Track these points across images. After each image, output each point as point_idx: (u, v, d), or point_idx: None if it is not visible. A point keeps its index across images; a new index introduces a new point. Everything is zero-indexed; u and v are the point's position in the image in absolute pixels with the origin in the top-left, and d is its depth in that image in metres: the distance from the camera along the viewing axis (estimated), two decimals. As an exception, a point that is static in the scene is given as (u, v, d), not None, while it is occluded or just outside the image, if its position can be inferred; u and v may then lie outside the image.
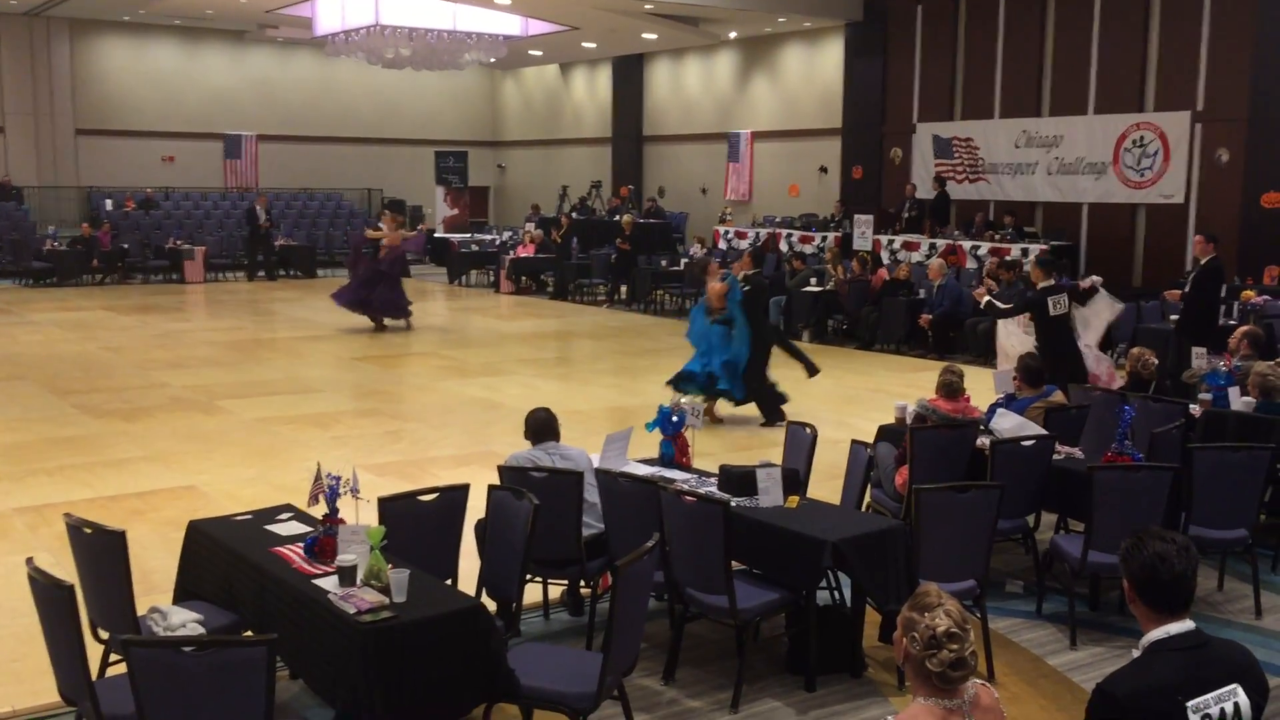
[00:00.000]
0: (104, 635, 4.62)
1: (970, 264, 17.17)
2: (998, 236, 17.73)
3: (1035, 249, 17.31)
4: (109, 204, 25.45)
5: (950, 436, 6.55)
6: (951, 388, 6.91)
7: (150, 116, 27.23)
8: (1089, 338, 10.25)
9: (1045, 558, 6.27)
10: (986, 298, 10.57)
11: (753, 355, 10.43)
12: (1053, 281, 9.99)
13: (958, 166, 19.97)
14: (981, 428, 6.79)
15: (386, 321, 16.59)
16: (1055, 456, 6.44)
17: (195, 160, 27.86)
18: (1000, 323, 10.73)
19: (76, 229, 23.38)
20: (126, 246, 23.01)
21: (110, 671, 4.53)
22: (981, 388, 8.33)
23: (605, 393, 12.29)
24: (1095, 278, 10.90)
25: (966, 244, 17.79)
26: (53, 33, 25.82)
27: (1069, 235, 18.30)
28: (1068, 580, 5.87)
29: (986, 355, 14.14)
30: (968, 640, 2.69)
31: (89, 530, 4.55)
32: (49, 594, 3.94)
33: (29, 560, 4.10)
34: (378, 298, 16.31)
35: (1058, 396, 7.43)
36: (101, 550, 4.53)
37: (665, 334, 16.74)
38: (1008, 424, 6.66)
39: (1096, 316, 10.28)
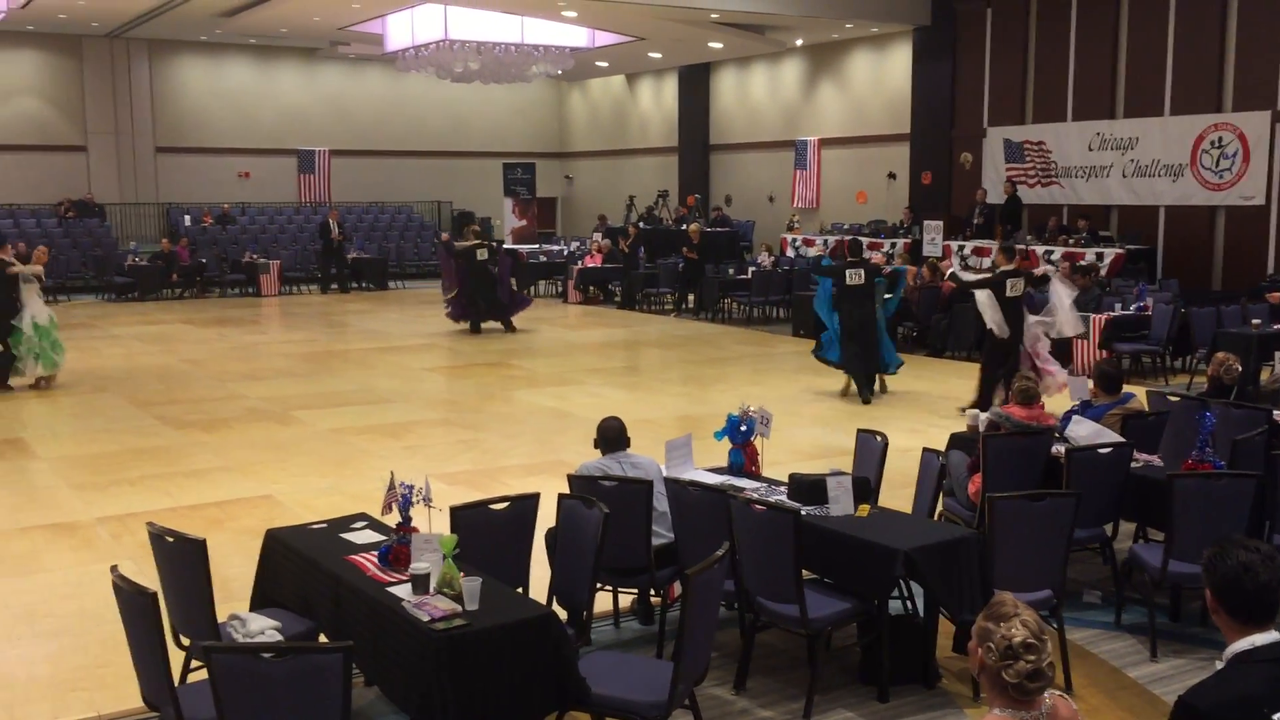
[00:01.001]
0: (185, 642, 4.72)
1: (1044, 269, 16.90)
2: (1071, 241, 17.45)
3: (1111, 253, 17.04)
4: (187, 220, 26.05)
5: (1025, 444, 6.45)
6: (1027, 394, 6.81)
7: (226, 134, 27.82)
8: (1060, 321, 11.01)
9: (1124, 567, 6.16)
10: (952, 269, 11.14)
11: (841, 335, 11.88)
12: (1013, 266, 10.91)
13: (1029, 170, 19.70)
14: (1056, 435, 6.68)
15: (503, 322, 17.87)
16: (1133, 464, 6.32)
17: (270, 176, 28.41)
18: (982, 299, 10.99)
19: (156, 244, 23.97)
20: (204, 261, 23.52)
21: (191, 677, 4.63)
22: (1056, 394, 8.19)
23: (674, 401, 12.30)
24: (1048, 266, 11.83)
25: (1039, 249, 17.53)
26: (133, 54, 26.50)
27: (1145, 239, 17.96)
28: (1148, 590, 5.75)
29: (1060, 361, 13.91)
30: (1045, 651, 2.65)
31: (171, 539, 4.65)
32: (132, 601, 4.03)
33: (113, 568, 4.20)
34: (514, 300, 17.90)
35: (1135, 403, 7.29)
36: (183, 558, 4.62)
37: (733, 342, 16.71)
38: (1084, 431, 6.55)
39: (1058, 299, 11.03)
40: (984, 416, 6.88)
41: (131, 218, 26.47)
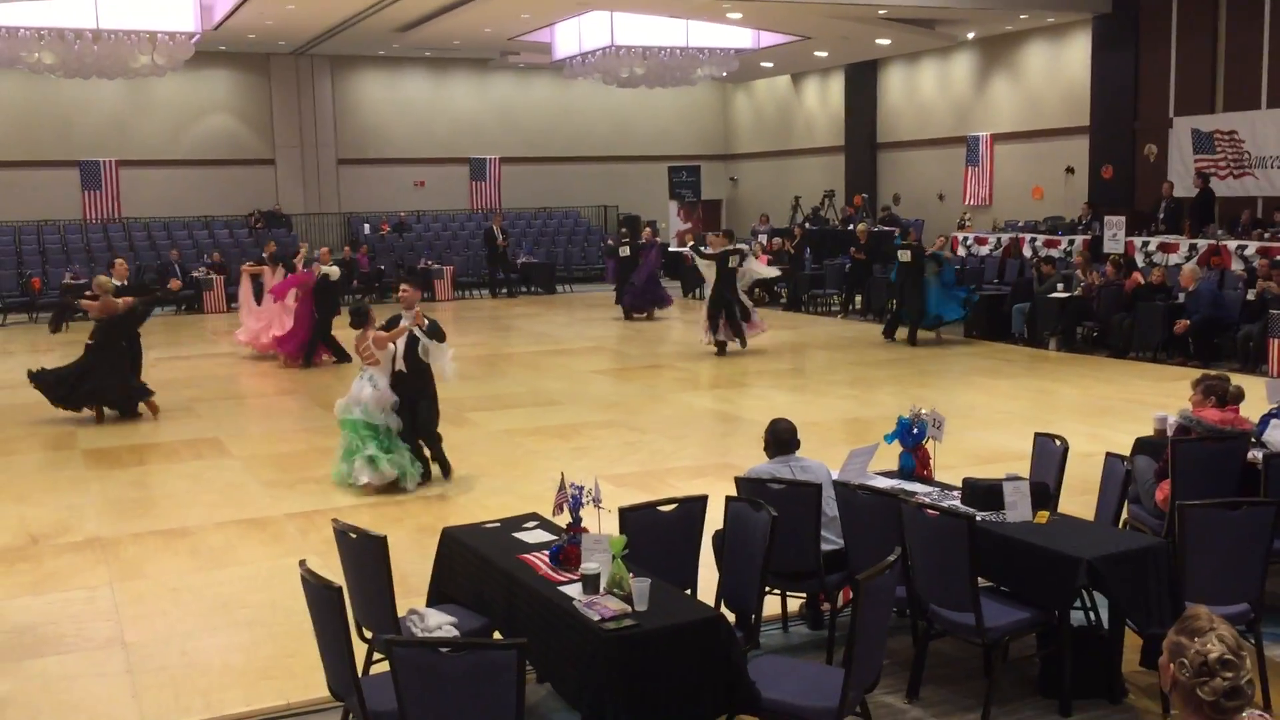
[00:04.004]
0: (368, 635, 4.89)
1: (1236, 265, 16.01)
2: (1267, 235, 16.47)
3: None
4: (366, 228, 27.09)
5: (1217, 450, 6.12)
6: (1223, 394, 6.44)
7: (403, 144, 28.79)
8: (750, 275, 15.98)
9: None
10: (692, 244, 17.12)
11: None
12: (732, 246, 15.65)
13: (1220, 161, 18.68)
14: (1253, 440, 6.32)
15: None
16: (1340, 472, 5.92)
17: (443, 184, 29.26)
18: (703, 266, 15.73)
19: (339, 252, 24.98)
20: (383, 267, 24.40)
21: (373, 670, 4.80)
22: (1252, 398, 7.74)
23: (841, 404, 12.13)
24: (743, 246, 16.13)
25: (1231, 244, 16.60)
26: (316, 70, 27.70)
27: (1350, 231, 16.78)
28: (1357, 607, 5.38)
29: (1254, 363, 13.19)
30: (1243, 668, 2.51)
31: (354, 535, 4.83)
32: (319, 594, 4.20)
33: (302, 562, 4.39)
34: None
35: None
36: (365, 554, 4.80)
37: (902, 343, 16.38)
38: (1284, 436, 6.18)
39: (750, 267, 15.93)
40: (1172, 420, 6.57)
41: (315, 226, 27.66)
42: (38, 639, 6.07)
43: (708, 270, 15.68)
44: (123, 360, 12.02)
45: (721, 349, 15.44)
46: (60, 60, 19.35)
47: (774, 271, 17.19)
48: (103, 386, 11.77)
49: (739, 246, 15.98)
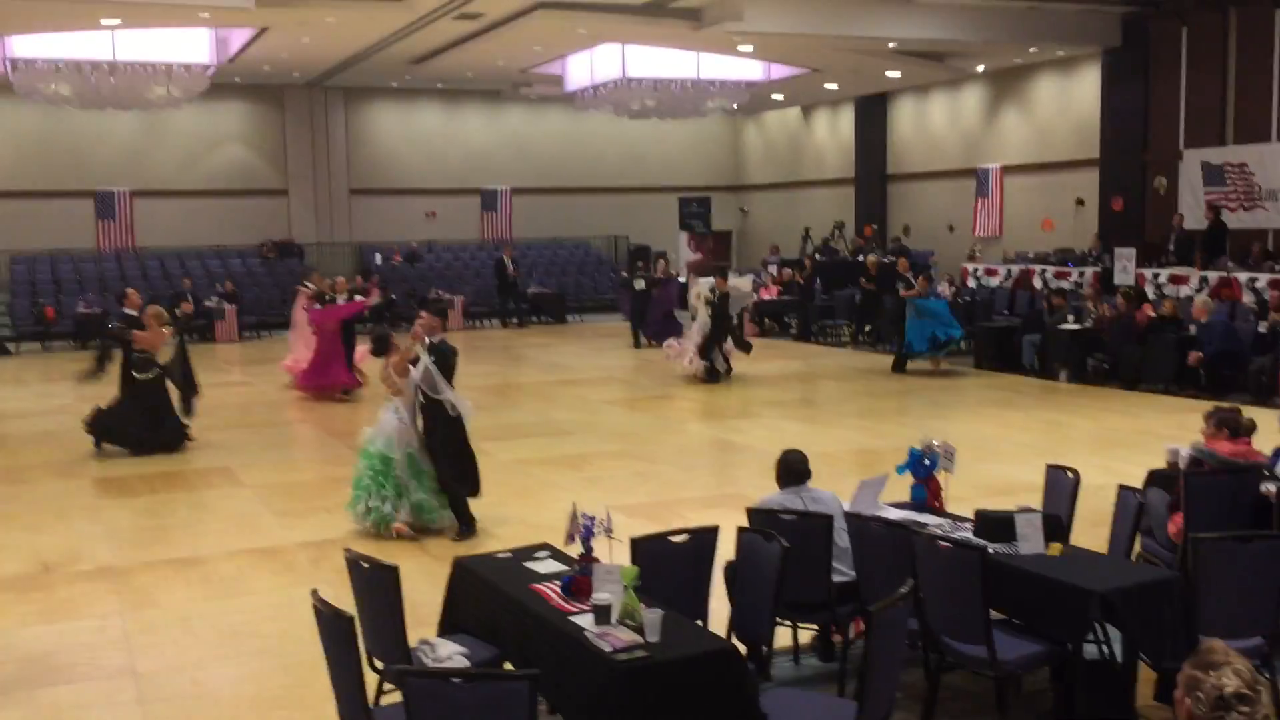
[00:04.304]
0: (379, 665, 4.88)
1: (1247, 298, 15.99)
2: (1278, 268, 16.45)
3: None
4: (378, 258, 27.21)
5: (1230, 482, 6.10)
6: (1236, 427, 6.43)
7: (415, 175, 28.97)
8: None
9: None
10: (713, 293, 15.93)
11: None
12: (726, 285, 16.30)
13: (1230, 194, 18.70)
14: (1266, 473, 6.30)
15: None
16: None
17: (455, 214, 29.42)
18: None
19: (351, 282, 25.07)
20: (394, 297, 24.49)
21: (384, 700, 4.78)
22: (1265, 430, 7.73)
23: (851, 435, 12.12)
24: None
25: (1243, 276, 16.58)
26: (330, 102, 27.93)
27: (1362, 263, 16.77)
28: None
29: (1266, 396, 13.14)
30: (1260, 702, 2.50)
31: (366, 565, 4.84)
32: (332, 624, 4.20)
33: (314, 592, 4.39)
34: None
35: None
36: (377, 584, 4.80)
37: (911, 375, 16.37)
38: (1297, 469, 6.15)
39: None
40: (1185, 452, 6.55)
41: (327, 256, 27.79)
42: (49, 668, 6.08)
43: (704, 310, 15.95)
44: (169, 399, 11.76)
45: (713, 376, 15.70)
46: (77, 92, 19.55)
47: (748, 286, 18.57)
48: (166, 435, 11.57)
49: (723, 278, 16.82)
